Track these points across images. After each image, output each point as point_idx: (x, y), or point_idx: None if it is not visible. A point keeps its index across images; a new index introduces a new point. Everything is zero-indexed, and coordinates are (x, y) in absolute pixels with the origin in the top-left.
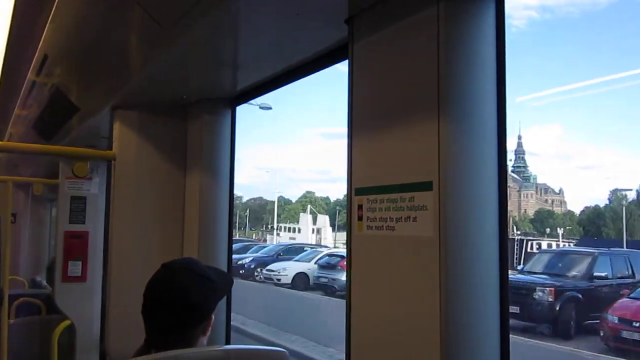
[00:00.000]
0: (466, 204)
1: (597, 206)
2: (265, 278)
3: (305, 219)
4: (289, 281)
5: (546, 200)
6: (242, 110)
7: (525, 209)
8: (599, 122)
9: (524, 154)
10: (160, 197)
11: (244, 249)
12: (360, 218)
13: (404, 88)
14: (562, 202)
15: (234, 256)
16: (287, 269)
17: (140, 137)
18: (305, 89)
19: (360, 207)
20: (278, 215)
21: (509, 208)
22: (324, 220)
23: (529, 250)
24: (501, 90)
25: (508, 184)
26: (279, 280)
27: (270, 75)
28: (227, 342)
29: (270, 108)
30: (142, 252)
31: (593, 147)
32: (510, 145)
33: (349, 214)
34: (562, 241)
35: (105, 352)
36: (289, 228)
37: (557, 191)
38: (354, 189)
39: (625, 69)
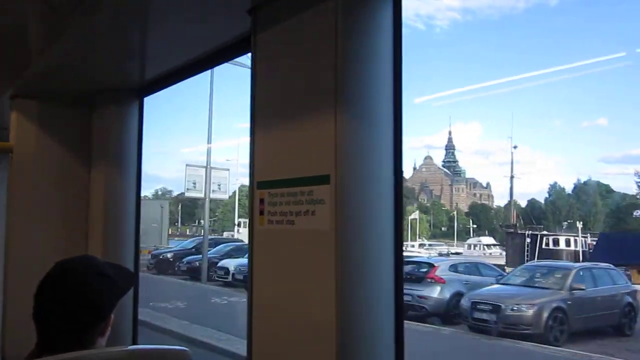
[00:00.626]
0: (362, 197)
1: (533, 199)
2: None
3: None
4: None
5: (475, 194)
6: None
7: (457, 203)
8: (513, 120)
9: (454, 149)
10: (63, 193)
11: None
12: (262, 212)
13: (304, 81)
14: (490, 197)
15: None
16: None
17: (40, 128)
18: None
19: (262, 201)
20: (212, 211)
21: (441, 201)
22: None
23: (544, 246)
24: (397, 84)
25: (442, 178)
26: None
27: (178, 66)
28: (134, 342)
29: None
30: (42, 252)
31: (508, 144)
32: (439, 141)
33: (251, 209)
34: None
35: (3, 356)
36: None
37: (485, 185)
38: (255, 183)
39: (538, 68)
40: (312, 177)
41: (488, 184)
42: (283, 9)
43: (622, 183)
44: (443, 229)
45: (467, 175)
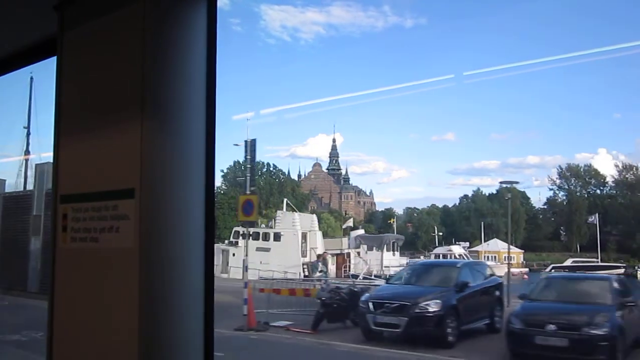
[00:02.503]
0: (169, 211)
1: (445, 206)
2: None
3: (288, 218)
4: None
5: (358, 202)
6: None
7: (346, 210)
8: (368, 132)
9: (338, 156)
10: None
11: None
12: (65, 229)
13: (110, 88)
14: (373, 204)
15: None
16: None
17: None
18: None
19: (65, 216)
20: None
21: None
22: (309, 221)
23: None
24: (210, 94)
25: (332, 185)
26: None
27: None
28: None
29: None
30: None
31: (364, 155)
32: (304, 150)
33: (54, 225)
34: None
35: None
36: (260, 234)
37: (368, 193)
38: (59, 197)
39: (393, 83)
40: (117, 191)
41: (371, 191)
42: (92, 7)
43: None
44: None
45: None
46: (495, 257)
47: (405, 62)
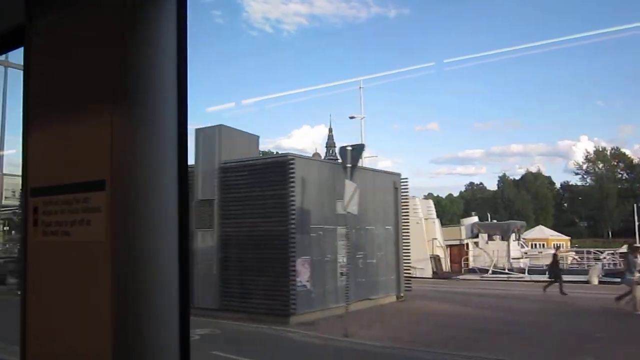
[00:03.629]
0: (142, 203)
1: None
2: None
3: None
4: None
5: None
6: None
7: None
8: (352, 123)
9: (334, 146)
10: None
11: None
12: (36, 223)
13: (79, 78)
14: None
15: None
16: None
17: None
18: None
19: (35, 210)
20: None
21: None
22: (425, 207)
23: None
24: (182, 84)
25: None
26: None
27: None
28: None
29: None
30: None
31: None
32: (288, 142)
33: (25, 219)
34: None
35: None
36: None
37: None
38: (29, 190)
39: (377, 72)
40: (88, 183)
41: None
42: None
43: (451, 182)
44: None
45: None
46: (543, 244)
47: (388, 51)
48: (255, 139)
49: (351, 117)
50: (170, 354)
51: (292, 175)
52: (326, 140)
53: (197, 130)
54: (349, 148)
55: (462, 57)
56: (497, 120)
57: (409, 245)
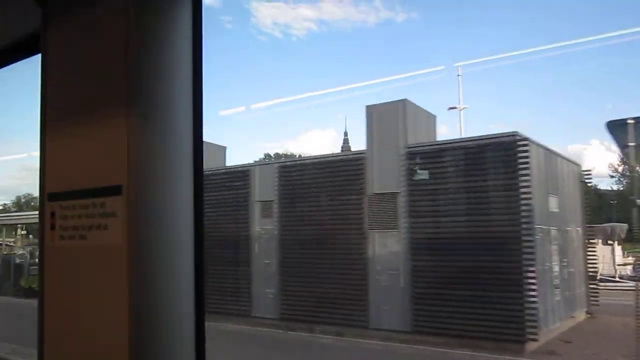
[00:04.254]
0: (158, 208)
1: None
2: None
3: None
4: None
5: None
6: None
7: None
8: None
9: (349, 149)
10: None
11: None
12: (53, 227)
13: (95, 83)
14: None
15: None
16: None
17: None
18: None
19: (53, 214)
20: None
21: None
22: None
23: None
24: (197, 89)
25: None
26: None
27: None
28: None
29: None
30: None
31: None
32: (296, 146)
33: (42, 223)
34: None
35: None
36: None
37: None
38: (47, 195)
39: (388, 75)
40: (104, 188)
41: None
42: (75, 2)
43: None
44: None
45: None
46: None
47: (397, 55)
48: (433, 118)
49: (451, 108)
50: (186, 355)
51: (523, 160)
52: (342, 144)
53: (369, 108)
54: (631, 121)
55: (471, 61)
56: (506, 124)
57: (595, 251)
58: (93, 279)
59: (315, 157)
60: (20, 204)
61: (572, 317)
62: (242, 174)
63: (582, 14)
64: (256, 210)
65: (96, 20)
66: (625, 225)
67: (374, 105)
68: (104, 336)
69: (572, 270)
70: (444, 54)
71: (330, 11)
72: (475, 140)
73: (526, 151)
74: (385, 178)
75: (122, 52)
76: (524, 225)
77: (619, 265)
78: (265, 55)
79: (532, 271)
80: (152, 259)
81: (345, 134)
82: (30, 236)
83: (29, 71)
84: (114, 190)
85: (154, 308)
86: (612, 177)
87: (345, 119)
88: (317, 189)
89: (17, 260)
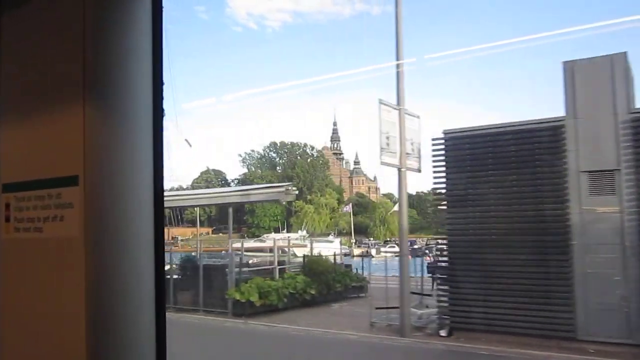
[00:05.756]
0: (116, 199)
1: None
2: None
3: None
4: None
5: (368, 188)
6: None
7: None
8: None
9: (339, 140)
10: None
11: None
12: (7, 219)
13: (51, 71)
14: (377, 189)
15: None
16: None
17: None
18: None
19: (7, 206)
20: None
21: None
22: None
23: None
24: (157, 78)
25: (341, 169)
26: None
27: None
28: None
29: None
30: None
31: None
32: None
33: None
34: None
35: None
36: None
37: (372, 178)
38: (1, 186)
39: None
40: (60, 179)
41: (375, 176)
42: None
43: None
44: None
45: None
46: None
47: (371, 47)
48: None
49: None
50: (146, 352)
51: None
52: (331, 135)
53: (567, 65)
54: None
55: (443, 53)
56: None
57: None
58: (49, 271)
59: None
60: None
61: None
62: (550, 131)
63: None
64: (581, 184)
65: (53, 9)
66: None
67: (578, 60)
68: (60, 329)
69: None
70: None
71: (306, 3)
72: None
73: None
74: (602, 151)
75: (80, 41)
76: None
77: None
78: (240, 46)
79: None
80: (110, 251)
81: (334, 124)
82: None
83: None
84: (71, 181)
85: (112, 300)
86: None
87: (334, 109)
88: None
89: None
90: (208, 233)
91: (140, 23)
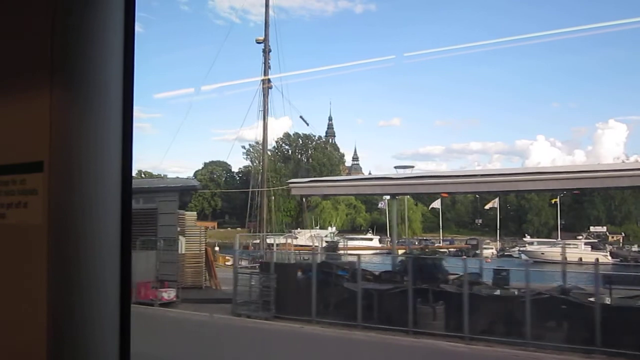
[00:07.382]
0: (82, 186)
1: None
2: None
3: None
4: None
5: None
6: None
7: None
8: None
9: (334, 135)
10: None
11: None
12: None
13: (16, 52)
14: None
15: None
16: None
17: None
18: None
19: None
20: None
21: None
22: None
23: None
24: (128, 61)
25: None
26: None
27: None
28: None
29: None
30: None
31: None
32: (251, 133)
33: None
34: None
35: None
36: None
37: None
38: None
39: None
40: (25, 164)
41: (370, 172)
42: None
43: None
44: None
45: None
46: None
47: (354, 42)
48: None
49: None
50: (110, 346)
51: None
52: (326, 129)
53: None
54: None
55: (422, 52)
56: (457, 118)
57: None
58: (11, 260)
59: None
60: None
61: None
62: None
63: None
64: None
65: None
66: None
67: None
68: (21, 322)
69: None
70: (396, 43)
71: None
72: None
73: None
74: None
75: (49, 21)
76: None
77: None
78: (221, 39)
79: None
80: (75, 240)
81: (330, 118)
82: None
83: None
84: (35, 167)
85: (75, 292)
86: None
87: (330, 103)
88: None
89: None
90: (214, 227)
91: (112, 4)
